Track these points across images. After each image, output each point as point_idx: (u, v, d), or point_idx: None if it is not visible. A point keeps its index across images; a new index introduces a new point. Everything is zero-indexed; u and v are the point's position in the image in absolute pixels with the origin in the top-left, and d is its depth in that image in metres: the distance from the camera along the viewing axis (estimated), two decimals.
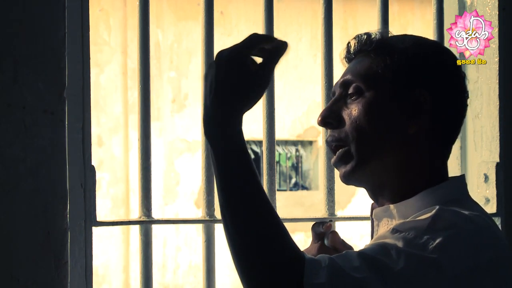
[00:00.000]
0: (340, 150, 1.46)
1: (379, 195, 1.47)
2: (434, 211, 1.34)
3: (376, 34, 1.49)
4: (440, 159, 1.47)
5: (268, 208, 1.29)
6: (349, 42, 1.51)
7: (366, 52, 1.47)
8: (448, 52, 1.50)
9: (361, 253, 1.30)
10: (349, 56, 1.51)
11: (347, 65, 1.52)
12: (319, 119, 1.47)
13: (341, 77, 1.49)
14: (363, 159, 1.43)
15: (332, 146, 1.47)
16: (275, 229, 1.28)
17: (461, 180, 1.48)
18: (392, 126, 1.43)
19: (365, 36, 1.49)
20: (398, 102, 1.43)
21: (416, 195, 1.42)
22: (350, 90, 1.46)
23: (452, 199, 1.41)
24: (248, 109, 1.31)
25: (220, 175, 1.30)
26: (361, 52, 1.48)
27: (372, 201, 1.50)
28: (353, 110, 1.44)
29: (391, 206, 1.43)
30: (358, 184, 1.48)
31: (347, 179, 1.46)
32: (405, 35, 1.50)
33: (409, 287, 1.27)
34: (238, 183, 1.29)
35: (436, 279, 1.27)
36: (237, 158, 1.29)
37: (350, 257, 1.29)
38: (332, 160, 1.48)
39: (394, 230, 1.33)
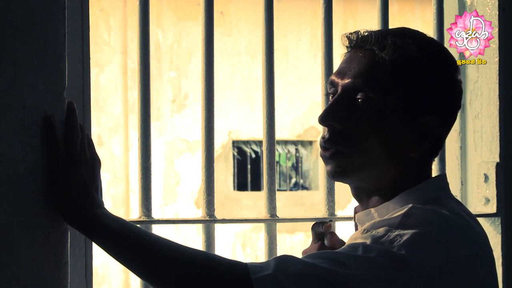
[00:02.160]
0: (333, 149, 1.41)
1: (365, 198, 1.45)
2: (406, 209, 1.33)
3: (395, 39, 1.40)
4: (427, 165, 1.46)
5: (175, 251, 1.30)
6: (358, 31, 1.43)
7: (379, 55, 1.39)
8: (459, 72, 1.45)
9: (328, 253, 1.30)
10: (356, 45, 1.43)
11: (345, 49, 1.45)
12: (321, 118, 1.41)
13: (352, 76, 1.40)
14: (355, 169, 1.41)
15: (326, 148, 1.42)
16: (199, 259, 1.29)
17: (441, 179, 1.46)
18: (394, 147, 1.40)
19: (386, 40, 1.40)
20: (407, 125, 1.40)
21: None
22: (359, 96, 1.39)
23: (431, 198, 1.39)
24: (83, 187, 1.35)
25: (120, 257, 1.33)
26: (372, 52, 1.40)
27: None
28: (359, 120, 1.39)
29: (372, 209, 1.42)
30: (343, 182, 1.46)
31: (334, 179, 1.44)
32: (428, 48, 1.41)
33: (372, 276, 1.26)
34: (140, 255, 1.31)
35: (402, 275, 1.26)
36: (116, 239, 1.32)
37: (316, 257, 1.29)
38: (321, 153, 1.43)
39: (365, 230, 1.32)
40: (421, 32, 1.47)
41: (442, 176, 1.48)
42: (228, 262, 1.29)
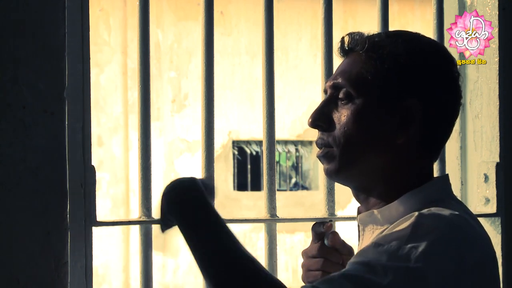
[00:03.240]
0: (324, 148, 1.46)
1: (364, 198, 1.46)
2: (413, 218, 1.33)
3: (369, 34, 1.47)
4: (427, 162, 1.46)
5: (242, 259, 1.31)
6: (343, 38, 1.49)
7: (358, 53, 1.45)
8: (443, 55, 1.46)
9: (346, 274, 1.28)
10: (343, 51, 1.50)
11: (341, 58, 1.51)
12: (310, 120, 1.47)
13: (333, 77, 1.48)
14: (346, 164, 1.44)
15: (320, 148, 1.48)
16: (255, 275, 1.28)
17: (444, 180, 1.47)
18: (380, 135, 1.42)
19: (358, 36, 1.47)
20: (388, 112, 1.42)
21: (399, 197, 1.42)
22: (341, 95, 1.45)
23: (434, 200, 1.40)
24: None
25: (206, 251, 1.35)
26: (353, 51, 1.47)
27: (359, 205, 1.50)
28: (342, 116, 1.44)
29: (375, 211, 1.43)
30: (342, 183, 1.48)
31: (329, 177, 1.48)
32: (398, 36, 1.46)
33: None
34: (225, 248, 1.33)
35: (423, 287, 1.27)
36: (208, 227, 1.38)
37: (335, 281, 1.27)
38: (317, 153, 1.48)
39: (377, 244, 1.31)
40: (407, 30, 1.51)
41: (445, 177, 1.48)
42: (271, 282, 1.28)
